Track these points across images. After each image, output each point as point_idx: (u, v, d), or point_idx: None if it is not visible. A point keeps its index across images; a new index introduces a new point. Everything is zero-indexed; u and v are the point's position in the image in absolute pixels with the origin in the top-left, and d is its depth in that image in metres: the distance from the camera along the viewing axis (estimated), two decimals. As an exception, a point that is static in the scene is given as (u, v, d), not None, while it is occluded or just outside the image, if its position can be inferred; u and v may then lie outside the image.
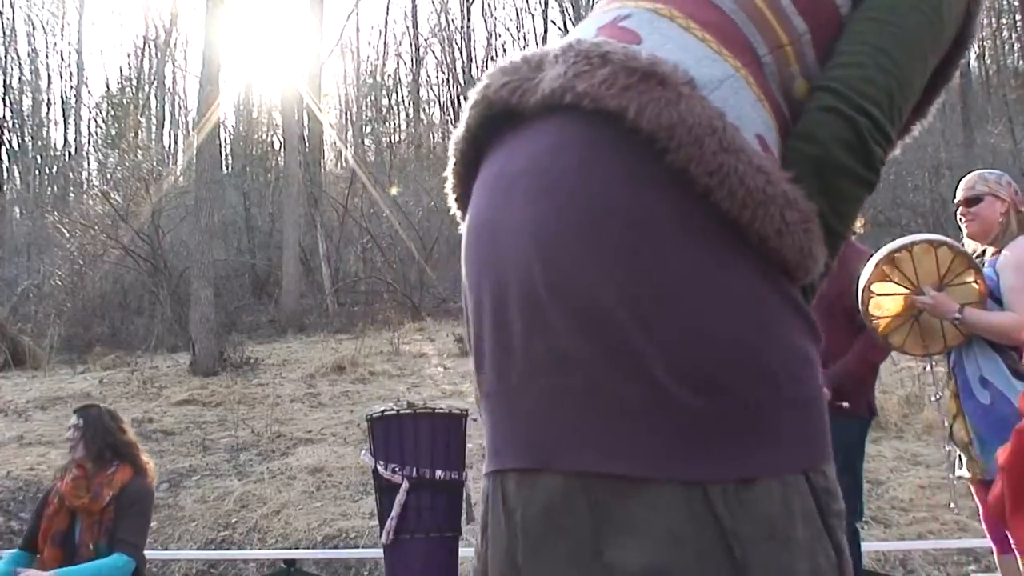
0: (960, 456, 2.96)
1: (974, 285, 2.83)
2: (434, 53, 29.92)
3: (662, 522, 0.78)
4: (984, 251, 3.00)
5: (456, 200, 1.04)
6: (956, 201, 3.05)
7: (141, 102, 27.40)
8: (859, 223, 3.35)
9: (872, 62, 0.92)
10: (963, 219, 3.00)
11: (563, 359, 0.83)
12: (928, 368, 3.53)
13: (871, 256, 3.27)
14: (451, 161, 1.03)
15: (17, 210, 26.35)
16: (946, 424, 2.99)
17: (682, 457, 0.79)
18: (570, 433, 0.83)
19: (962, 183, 3.05)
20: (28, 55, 30.29)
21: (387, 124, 28.07)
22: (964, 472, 2.95)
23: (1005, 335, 2.75)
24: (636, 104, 0.82)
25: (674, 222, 0.82)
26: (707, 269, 0.81)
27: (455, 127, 1.00)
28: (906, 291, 2.92)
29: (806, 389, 0.85)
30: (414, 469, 3.00)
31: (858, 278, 3.12)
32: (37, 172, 29.25)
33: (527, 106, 0.90)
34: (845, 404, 3.04)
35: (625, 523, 0.79)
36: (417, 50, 29.51)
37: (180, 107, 29.04)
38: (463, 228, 0.99)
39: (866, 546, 3.13)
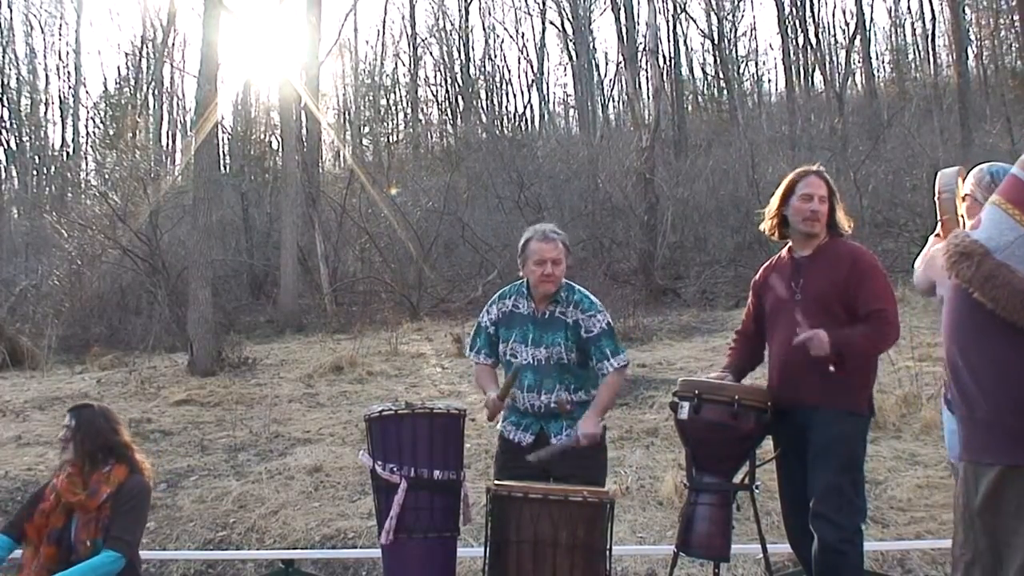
0: None
1: None
2: (432, 53, 29.94)
3: None
4: None
5: None
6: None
7: (139, 102, 27.42)
8: (848, 224, 3.35)
9: None
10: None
11: (980, 399, 1.80)
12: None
13: (866, 255, 3.27)
14: None
15: (15, 210, 26.33)
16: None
17: None
18: (996, 444, 1.74)
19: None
20: (26, 55, 30.33)
21: (385, 124, 28.07)
22: None
23: None
24: (955, 271, 1.78)
25: (989, 323, 1.73)
26: (1012, 349, 1.73)
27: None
28: None
29: None
30: (412, 469, 3.00)
31: (854, 277, 3.16)
32: (35, 172, 29.25)
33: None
34: (832, 368, 3.05)
35: None
36: (415, 50, 29.53)
37: (178, 107, 29.05)
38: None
39: (865, 546, 3.13)
